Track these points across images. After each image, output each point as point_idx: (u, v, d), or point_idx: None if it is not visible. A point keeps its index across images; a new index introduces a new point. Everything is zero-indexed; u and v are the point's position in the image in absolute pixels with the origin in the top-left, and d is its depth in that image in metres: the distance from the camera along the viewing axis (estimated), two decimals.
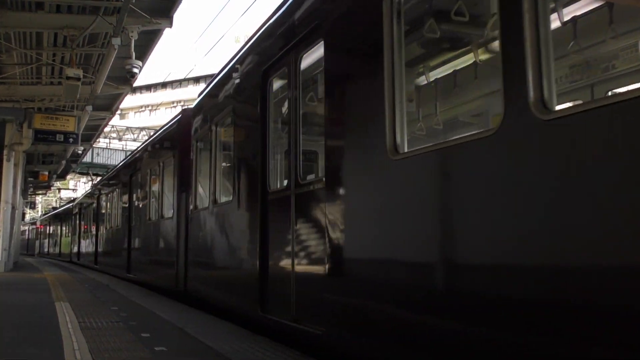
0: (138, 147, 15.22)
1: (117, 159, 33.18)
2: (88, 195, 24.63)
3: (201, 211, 8.33)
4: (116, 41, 11.57)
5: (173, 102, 66.09)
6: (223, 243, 7.34)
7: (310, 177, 5.30)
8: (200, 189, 8.60)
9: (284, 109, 5.91)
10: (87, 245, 23.39)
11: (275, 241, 5.62)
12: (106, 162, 36.09)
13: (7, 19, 11.55)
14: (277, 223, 5.56)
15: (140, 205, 13.20)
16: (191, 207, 8.81)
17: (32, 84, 16.70)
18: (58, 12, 11.82)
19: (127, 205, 14.68)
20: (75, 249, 27.21)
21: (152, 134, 13.37)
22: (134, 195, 14.03)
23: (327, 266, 4.43)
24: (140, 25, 11.98)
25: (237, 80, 7.06)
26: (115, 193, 16.99)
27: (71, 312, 7.30)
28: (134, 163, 14.40)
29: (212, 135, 7.83)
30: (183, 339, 5.43)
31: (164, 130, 11.78)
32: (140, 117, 70.42)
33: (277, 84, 6.09)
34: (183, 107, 10.84)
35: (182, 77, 60.92)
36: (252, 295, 5.94)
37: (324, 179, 4.60)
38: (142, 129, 45.85)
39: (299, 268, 5.03)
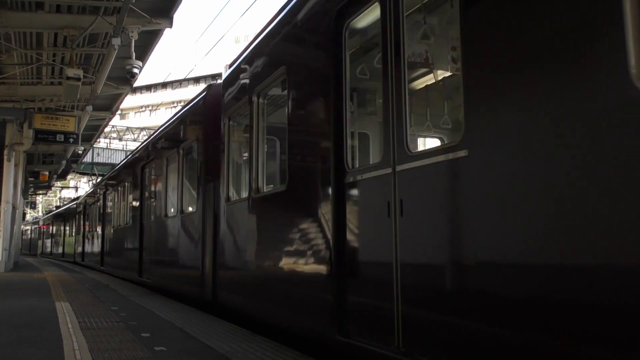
0: (151, 134, 13.14)
1: (117, 159, 33.18)
2: (94, 192, 22.89)
3: (237, 204, 6.87)
4: (116, 41, 11.58)
5: (173, 102, 66.10)
6: (272, 242, 5.80)
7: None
8: (234, 178, 7.19)
9: (372, 59, 4.58)
10: (92, 245, 21.81)
11: (360, 238, 4.19)
12: (107, 162, 35.98)
13: (7, 19, 11.55)
14: (364, 212, 4.16)
15: (155, 200, 11.65)
16: (222, 199, 7.32)
17: (32, 84, 16.72)
18: (58, 12, 11.82)
19: (138, 200, 13.09)
20: (80, 249, 25.69)
21: (170, 117, 11.53)
22: (147, 189, 12.53)
23: (485, 277, 2.90)
24: (140, 26, 11.99)
25: (295, 31, 5.51)
26: (124, 188, 15.41)
27: (71, 312, 7.30)
28: (147, 152, 12.69)
29: (253, 108, 6.32)
30: (183, 339, 5.42)
31: (184, 111, 10.14)
32: (140, 118, 70.47)
33: (359, 27, 4.62)
34: (209, 84, 9.20)
35: (182, 77, 61.08)
36: (323, 311, 4.46)
37: (469, 143, 3.07)
38: (142, 129, 45.89)
39: (411, 276, 3.54)
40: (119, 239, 15.83)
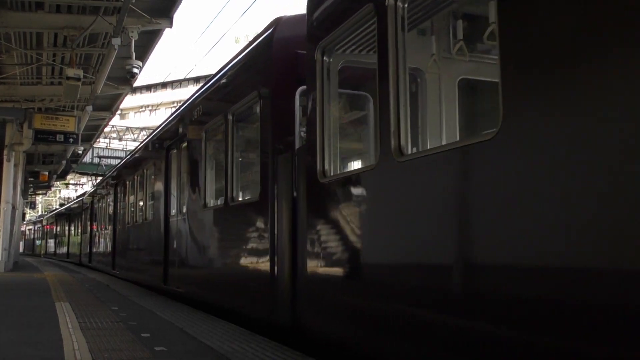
0: (181, 104, 10.47)
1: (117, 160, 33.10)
2: (103, 185, 20.18)
3: (344, 178, 4.61)
4: (116, 41, 11.58)
5: (173, 102, 66.16)
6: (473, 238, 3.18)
7: None
8: (333, 141, 4.83)
9: None
10: (101, 245, 19.52)
11: None
12: (115, 156, 35.67)
13: (7, 19, 11.56)
14: None
15: (186, 188, 9.21)
16: (309, 175, 5.01)
17: (32, 84, 16.73)
18: (58, 12, 11.82)
19: (161, 190, 10.67)
20: (86, 250, 23.21)
21: (209, 78, 8.78)
22: (175, 175, 10.09)
23: None
24: (140, 26, 11.99)
25: None
26: (142, 177, 12.97)
27: (71, 312, 7.30)
28: (174, 129, 10.15)
29: (388, 21, 3.81)
30: (183, 339, 5.42)
31: (235, 62, 7.47)
32: (140, 117, 70.61)
33: None
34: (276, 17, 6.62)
35: (182, 77, 61.09)
36: None
37: None
38: (142, 129, 45.94)
39: None
40: (136, 238, 13.52)
